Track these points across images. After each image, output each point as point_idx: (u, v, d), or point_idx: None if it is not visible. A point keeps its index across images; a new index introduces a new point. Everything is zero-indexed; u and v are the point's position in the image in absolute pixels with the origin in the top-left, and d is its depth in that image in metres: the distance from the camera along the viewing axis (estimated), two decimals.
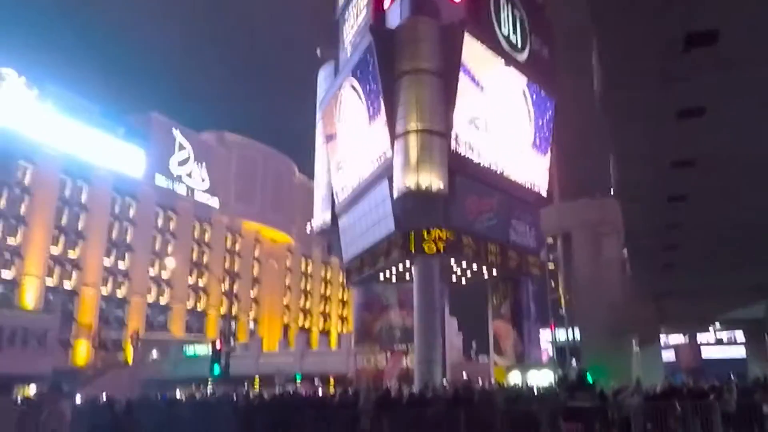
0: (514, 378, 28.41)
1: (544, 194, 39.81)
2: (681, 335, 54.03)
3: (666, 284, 27.07)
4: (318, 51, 45.25)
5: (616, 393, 17.46)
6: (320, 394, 25.80)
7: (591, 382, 16.68)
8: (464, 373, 28.03)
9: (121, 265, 68.39)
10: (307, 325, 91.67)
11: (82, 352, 60.93)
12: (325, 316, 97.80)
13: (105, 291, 65.56)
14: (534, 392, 19.34)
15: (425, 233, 32.01)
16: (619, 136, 13.81)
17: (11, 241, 57.74)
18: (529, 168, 38.61)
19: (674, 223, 18.94)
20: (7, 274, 56.96)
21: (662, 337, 36.93)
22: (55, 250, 61.12)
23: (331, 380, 48.28)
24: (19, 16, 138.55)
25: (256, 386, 43.10)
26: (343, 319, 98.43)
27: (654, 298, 29.75)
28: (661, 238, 20.46)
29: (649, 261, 23.99)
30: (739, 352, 44.58)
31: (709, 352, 56.14)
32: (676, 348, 56.26)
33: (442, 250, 32.14)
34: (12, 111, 57.63)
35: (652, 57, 10.49)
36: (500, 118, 36.02)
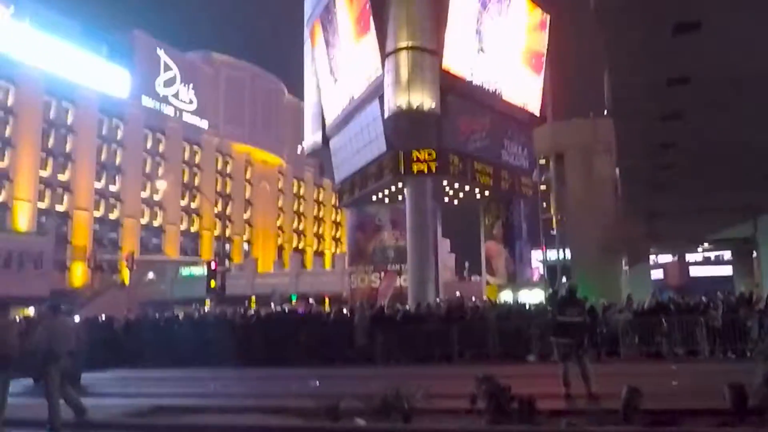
0: (506, 297, 29.03)
1: (537, 114, 39.42)
2: (670, 255, 54.96)
3: (657, 204, 27.28)
4: None
5: (605, 309, 17.92)
6: (316, 312, 26.51)
7: (581, 298, 17.09)
8: (457, 293, 28.69)
9: (113, 188, 68.06)
10: (301, 246, 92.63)
11: (78, 273, 61.62)
12: (319, 237, 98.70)
13: (98, 213, 65.59)
14: (525, 309, 19.80)
15: (417, 153, 31.85)
16: (614, 50, 13.52)
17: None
18: (523, 87, 37.99)
19: (667, 142, 18.84)
20: None
21: (651, 256, 37.54)
22: (45, 173, 60.59)
23: (326, 300, 49.31)
24: None
25: (253, 306, 43.98)
26: (336, 240, 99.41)
27: (645, 217, 30.05)
28: (654, 158, 20.42)
29: (641, 181, 24.06)
30: (725, 270, 45.46)
31: (696, 271, 57.41)
32: (665, 266, 57.40)
33: (434, 171, 32.09)
34: None
35: None
36: (493, 36, 35.10)
